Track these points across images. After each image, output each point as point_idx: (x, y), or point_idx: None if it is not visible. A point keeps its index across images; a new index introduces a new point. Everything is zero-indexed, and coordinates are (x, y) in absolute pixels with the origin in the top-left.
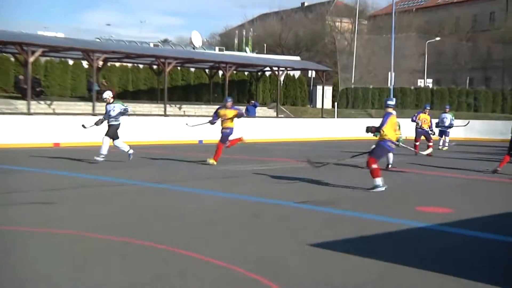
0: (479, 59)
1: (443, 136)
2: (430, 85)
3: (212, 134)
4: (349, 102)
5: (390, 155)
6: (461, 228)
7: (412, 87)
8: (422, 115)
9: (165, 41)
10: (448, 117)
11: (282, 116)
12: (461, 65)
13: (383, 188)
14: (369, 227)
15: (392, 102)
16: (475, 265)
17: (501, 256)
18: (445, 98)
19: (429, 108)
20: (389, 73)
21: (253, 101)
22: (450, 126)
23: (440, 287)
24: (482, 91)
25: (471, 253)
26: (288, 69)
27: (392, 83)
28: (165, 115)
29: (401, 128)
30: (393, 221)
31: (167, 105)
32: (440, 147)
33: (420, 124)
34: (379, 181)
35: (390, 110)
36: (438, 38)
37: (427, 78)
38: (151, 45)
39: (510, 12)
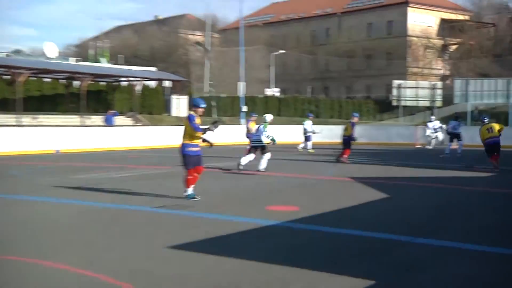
0: (319, 70)
1: (307, 141)
2: (277, 94)
3: (70, 143)
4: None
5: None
6: (307, 223)
7: (261, 96)
8: (250, 123)
9: (17, 52)
10: (308, 124)
11: (140, 124)
12: (304, 76)
13: (198, 198)
14: (224, 228)
15: (202, 104)
16: (319, 257)
17: (343, 247)
18: (290, 106)
19: (255, 116)
20: (239, 83)
21: (112, 111)
22: (313, 132)
23: (283, 279)
24: (322, 99)
25: (316, 247)
26: (144, 79)
27: (243, 92)
28: (20, 125)
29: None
30: (247, 220)
31: (22, 115)
32: (300, 148)
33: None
34: (190, 190)
35: (192, 112)
36: (282, 51)
37: (274, 87)
38: (3, 55)
39: (342, 29)
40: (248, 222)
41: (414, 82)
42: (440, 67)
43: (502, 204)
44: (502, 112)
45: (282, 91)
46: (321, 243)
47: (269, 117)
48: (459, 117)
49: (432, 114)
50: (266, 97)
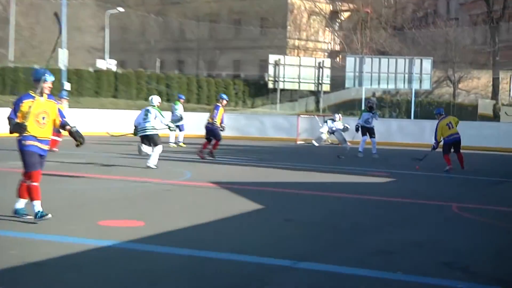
0: (171, 39)
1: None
2: (114, 68)
3: None
4: (6, 86)
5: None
6: (154, 244)
7: (91, 69)
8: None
9: None
10: (181, 109)
11: None
12: (150, 45)
13: (26, 217)
14: (41, 251)
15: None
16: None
17: (203, 277)
18: (132, 84)
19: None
20: (60, 50)
21: None
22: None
23: None
24: (175, 77)
25: (166, 278)
26: None
27: (64, 63)
28: None
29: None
30: (73, 240)
31: None
32: (172, 144)
33: None
34: (20, 204)
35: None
36: (121, 9)
37: (109, 58)
38: None
39: None
40: (76, 243)
41: (295, 58)
42: (328, 40)
43: (399, 217)
44: (405, 101)
45: (120, 64)
46: (174, 272)
47: (156, 99)
48: (372, 107)
49: (338, 113)
50: (98, 71)
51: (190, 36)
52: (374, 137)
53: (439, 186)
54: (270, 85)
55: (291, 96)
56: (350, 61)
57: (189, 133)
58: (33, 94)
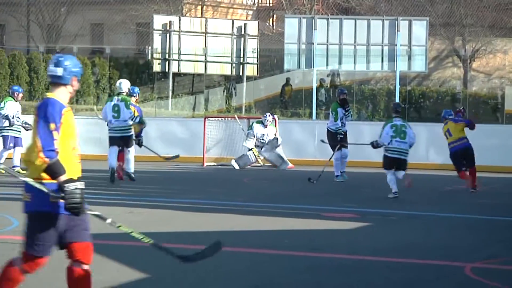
0: None
1: None
2: None
3: None
4: None
5: None
6: None
7: None
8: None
9: None
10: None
11: None
12: None
13: None
14: None
15: None
16: None
17: None
18: None
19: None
20: None
21: None
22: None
23: None
24: None
25: None
26: None
27: None
28: None
29: None
30: None
31: None
32: None
33: None
34: None
35: None
36: None
37: None
38: None
39: None
40: None
41: (199, 20)
42: None
43: None
44: (384, 91)
45: None
46: None
47: (125, 84)
48: (346, 100)
49: (272, 112)
50: None
51: None
52: (347, 148)
53: (439, 232)
54: (156, 68)
55: (193, 85)
56: (291, 25)
57: None
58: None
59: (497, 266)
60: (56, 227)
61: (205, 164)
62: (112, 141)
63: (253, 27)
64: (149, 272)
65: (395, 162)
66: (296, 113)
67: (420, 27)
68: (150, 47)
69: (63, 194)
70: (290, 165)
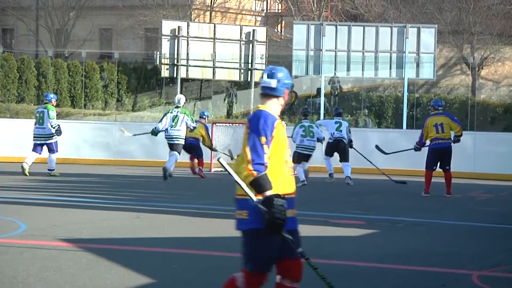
0: None
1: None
2: None
3: None
4: None
5: None
6: None
7: None
8: None
9: None
10: None
11: None
12: None
13: None
14: None
15: None
16: None
17: None
18: None
19: None
20: None
21: None
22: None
23: None
24: None
25: None
26: None
27: None
28: None
29: None
30: None
31: None
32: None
33: None
34: None
35: None
36: None
37: None
38: None
39: None
40: None
41: (207, 26)
42: None
43: None
44: (392, 98)
45: None
46: None
47: (183, 99)
48: (339, 109)
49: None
50: None
51: None
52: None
53: (446, 239)
54: (164, 73)
55: (201, 91)
56: (299, 32)
57: None
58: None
59: (505, 275)
60: (276, 242)
61: (213, 169)
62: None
63: (261, 33)
64: (156, 277)
65: (305, 157)
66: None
67: (428, 35)
68: (158, 52)
69: (266, 209)
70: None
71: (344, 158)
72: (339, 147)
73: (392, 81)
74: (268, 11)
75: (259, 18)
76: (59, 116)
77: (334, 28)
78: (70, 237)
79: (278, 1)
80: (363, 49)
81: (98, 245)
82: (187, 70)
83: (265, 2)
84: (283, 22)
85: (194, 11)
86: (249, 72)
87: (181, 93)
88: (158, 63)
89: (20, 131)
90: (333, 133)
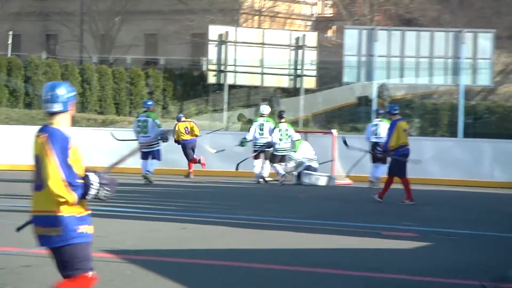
0: None
1: None
2: None
3: None
4: None
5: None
6: None
7: None
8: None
9: None
10: None
11: None
12: None
13: None
14: None
15: None
16: None
17: None
18: None
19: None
20: None
21: None
22: None
23: None
24: (42, 64)
25: None
26: None
27: None
28: None
29: None
30: None
31: None
32: None
33: None
34: None
35: None
36: None
37: None
38: None
39: None
40: None
41: (255, 31)
42: None
43: None
44: (447, 106)
45: None
46: None
47: (267, 109)
48: (380, 110)
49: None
50: None
51: None
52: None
53: (503, 252)
54: (211, 79)
55: (249, 98)
56: (351, 37)
57: None
58: None
59: None
60: None
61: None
62: (258, 154)
63: (311, 38)
64: None
65: (282, 158)
66: (355, 127)
67: (485, 40)
68: (205, 58)
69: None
70: (348, 181)
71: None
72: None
73: (447, 88)
74: (319, 15)
75: (309, 23)
76: (103, 124)
77: (387, 33)
78: (114, 248)
79: (329, 5)
80: (417, 54)
81: (143, 256)
82: (234, 77)
83: (315, 7)
84: (334, 26)
85: (242, 16)
86: (299, 78)
87: (228, 100)
88: (204, 69)
89: None
90: (369, 137)
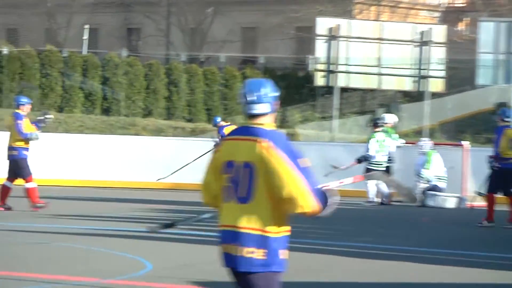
0: None
1: None
2: None
3: None
4: None
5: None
6: None
7: None
8: None
9: None
10: None
11: None
12: None
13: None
14: None
15: None
16: None
17: None
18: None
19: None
20: None
21: None
22: None
23: None
24: (123, 63)
25: None
26: None
27: None
28: None
29: None
30: None
31: None
32: None
33: None
34: None
35: None
36: None
37: None
38: None
39: None
40: None
41: (371, 24)
42: None
43: None
44: None
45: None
46: None
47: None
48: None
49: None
50: None
51: None
52: None
53: None
54: (319, 81)
55: (363, 103)
56: (486, 31)
57: None
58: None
59: None
60: None
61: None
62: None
63: (439, 33)
64: None
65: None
66: (490, 139)
67: None
68: (312, 57)
69: None
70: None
71: None
72: None
73: None
74: (448, 5)
75: (436, 14)
76: (192, 133)
77: None
78: (203, 279)
79: None
80: None
81: None
82: (346, 78)
83: None
84: (467, 19)
85: (356, 6)
86: (423, 80)
87: (340, 105)
88: (312, 69)
89: (145, 150)
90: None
